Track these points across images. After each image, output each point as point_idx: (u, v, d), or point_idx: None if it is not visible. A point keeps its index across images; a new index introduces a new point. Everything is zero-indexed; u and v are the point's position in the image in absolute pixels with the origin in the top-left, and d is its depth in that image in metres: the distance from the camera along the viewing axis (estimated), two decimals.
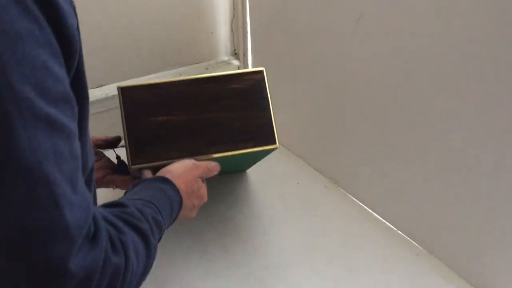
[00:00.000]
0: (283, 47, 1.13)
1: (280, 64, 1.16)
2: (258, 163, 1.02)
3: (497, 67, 0.66)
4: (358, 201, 1.03)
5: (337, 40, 0.95)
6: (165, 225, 0.58)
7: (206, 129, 0.79)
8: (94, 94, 1.13)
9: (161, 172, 0.70)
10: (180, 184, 0.67)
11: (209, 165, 0.77)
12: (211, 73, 0.83)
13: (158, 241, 0.56)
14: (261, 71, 0.83)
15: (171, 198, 0.63)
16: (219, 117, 0.80)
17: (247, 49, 1.32)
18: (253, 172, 1.11)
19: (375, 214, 0.99)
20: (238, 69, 1.36)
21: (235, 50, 1.36)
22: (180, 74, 1.25)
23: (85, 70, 0.47)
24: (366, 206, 1.01)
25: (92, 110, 0.55)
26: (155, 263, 0.54)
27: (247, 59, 1.33)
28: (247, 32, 1.29)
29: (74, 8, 0.44)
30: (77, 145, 0.42)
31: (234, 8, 1.29)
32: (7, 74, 0.34)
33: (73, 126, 0.41)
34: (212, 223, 0.96)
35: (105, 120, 1.11)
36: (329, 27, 0.96)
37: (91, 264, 0.40)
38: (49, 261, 0.37)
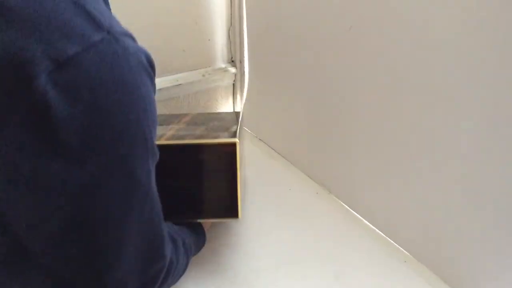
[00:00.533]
0: (279, 55, 1.16)
1: (276, 72, 1.18)
2: (254, 168, 1.03)
3: (480, 77, 0.68)
4: (349, 208, 1.05)
5: (331, 48, 0.97)
6: (193, 254, 0.76)
7: (167, 197, 0.69)
8: None
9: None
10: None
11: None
12: (179, 140, 0.78)
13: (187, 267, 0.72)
14: (234, 144, 0.75)
15: (200, 239, 0.82)
16: (182, 186, 0.77)
17: (243, 56, 1.34)
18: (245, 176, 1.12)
19: (365, 221, 1.00)
20: (235, 77, 1.38)
21: (232, 57, 1.38)
22: (177, 80, 1.27)
23: None
24: (357, 213, 1.03)
25: None
26: None
27: (243, 67, 1.35)
28: (243, 40, 1.32)
29: None
30: None
31: (231, 16, 1.32)
32: (141, 125, 0.47)
33: None
34: None
35: None
36: (324, 35, 0.98)
37: (170, 253, 0.60)
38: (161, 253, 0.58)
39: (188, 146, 0.76)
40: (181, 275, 0.68)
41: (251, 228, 0.98)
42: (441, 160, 0.79)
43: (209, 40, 1.33)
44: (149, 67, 0.48)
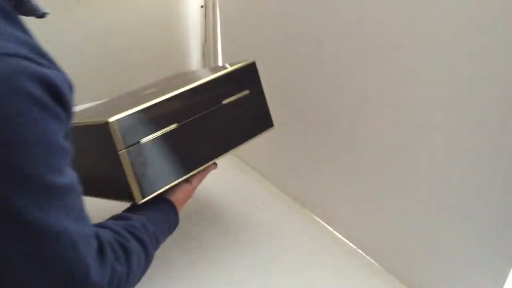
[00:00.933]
0: None
1: None
2: (227, 182, 1.04)
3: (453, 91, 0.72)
4: (320, 221, 1.07)
5: (301, 64, 1.00)
6: (161, 240, 0.69)
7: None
8: None
9: (166, 194, 0.76)
10: (179, 207, 0.77)
11: (205, 175, 0.83)
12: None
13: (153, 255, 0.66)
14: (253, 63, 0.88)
15: (171, 220, 0.74)
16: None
17: None
18: (218, 191, 1.13)
19: (336, 233, 1.02)
20: None
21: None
22: None
23: None
24: (328, 225, 1.05)
25: None
26: None
27: None
28: (217, 56, 1.34)
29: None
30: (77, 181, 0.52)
31: (205, 34, 1.34)
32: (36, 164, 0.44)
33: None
34: (177, 240, 0.97)
35: None
36: (294, 51, 1.01)
37: (103, 275, 0.51)
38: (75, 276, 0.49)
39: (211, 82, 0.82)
40: (144, 270, 0.63)
41: (224, 242, 0.99)
42: (411, 175, 0.82)
43: (183, 56, 1.35)
44: (45, 95, 0.44)
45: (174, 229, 0.75)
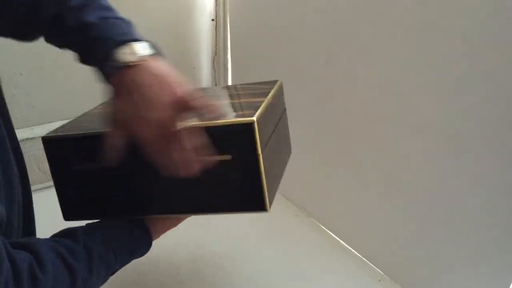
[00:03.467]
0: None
1: None
2: None
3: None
4: (326, 229, 1.09)
5: (309, 79, 1.03)
6: (117, 265, 0.58)
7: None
8: None
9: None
10: (155, 234, 0.64)
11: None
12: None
13: (105, 277, 0.57)
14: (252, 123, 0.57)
15: (137, 245, 0.62)
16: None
17: (227, 83, 1.40)
18: None
19: (342, 242, 1.04)
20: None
21: (216, 85, 1.43)
22: None
23: None
24: (334, 234, 1.07)
25: None
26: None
27: None
28: (227, 69, 1.38)
29: None
30: None
31: (216, 47, 1.38)
32: None
33: None
34: (185, 248, 1.00)
35: None
36: (303, 67, 1.04)
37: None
38: None
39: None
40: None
41: (231, 249, 1.01)
42: (418, 185, 0.84)
43: (194, 68, 1.38)
44: None
45: (141, 250, 0.63)
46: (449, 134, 0.74)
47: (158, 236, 0.65)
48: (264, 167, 0.58)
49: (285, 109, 0.79)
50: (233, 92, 0.82)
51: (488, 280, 0.74)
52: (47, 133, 0.63)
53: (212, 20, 1.36)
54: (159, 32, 1.28)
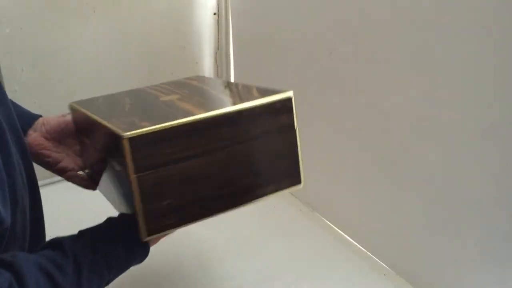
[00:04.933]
0: (264, 79, 1.21)
1: None
2: None
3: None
4: (331, 224, 1.08)
5: (313, 70, 1.02)
6: (110, 276, 0.56)
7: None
8: None
9: None
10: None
11: None
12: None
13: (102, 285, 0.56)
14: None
15: (133, 253, 0.59)
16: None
17: (229, 79, 1.39)
18: None
19: (347, 236, 1.04)
20: None
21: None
22: None
23: None
24: (339, 229, 1.06)
25: None
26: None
27: None
28: (230, 63, 1.37)
29: None
30: None
31: (218, 41, 1.37)
32: None
33: None
34: (190, 243, 0.99)
35: None
36: (306, 60, 1.03)
37: None
38: None
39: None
40: None
41: (235, 244, 1.01)
42: (423, 180, 0.83)
43: (196, 63, 1.38)
44: None
45: (136, 260, 0.60)
46: (457, 128, 0.74)
47: (156, 242, 0.63)
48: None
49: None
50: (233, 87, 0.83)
51: (494, 275, 0.74)
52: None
53: (214, 14, 1.35)
54: (161, 26, 1.27)
